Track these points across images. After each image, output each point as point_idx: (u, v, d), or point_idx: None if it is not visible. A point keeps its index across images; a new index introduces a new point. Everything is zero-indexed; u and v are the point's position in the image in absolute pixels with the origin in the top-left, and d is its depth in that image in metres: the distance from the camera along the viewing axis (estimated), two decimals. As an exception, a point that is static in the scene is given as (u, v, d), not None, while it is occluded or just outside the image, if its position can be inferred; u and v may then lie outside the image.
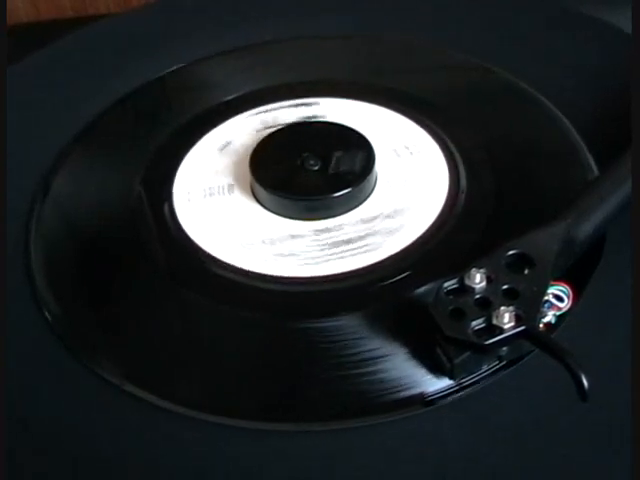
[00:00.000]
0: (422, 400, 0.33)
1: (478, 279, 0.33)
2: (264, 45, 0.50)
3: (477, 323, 0.32)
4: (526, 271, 0.34)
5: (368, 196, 0.40)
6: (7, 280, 0.39)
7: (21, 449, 0.33)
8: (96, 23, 0.55)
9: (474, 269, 0.33)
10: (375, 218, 0.40)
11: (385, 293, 0.37)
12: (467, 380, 0.33)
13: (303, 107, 0.46)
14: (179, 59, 0.50)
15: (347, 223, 0.39)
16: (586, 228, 0.35)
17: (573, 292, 0.35)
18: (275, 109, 0.46)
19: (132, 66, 0.50)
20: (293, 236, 0.39)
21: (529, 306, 0.32)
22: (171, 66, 0.49)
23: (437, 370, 0.34)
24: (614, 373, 0.33)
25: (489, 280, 0.33)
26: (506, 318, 0.32)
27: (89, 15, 0.70)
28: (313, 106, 0.46)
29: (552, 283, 0.34)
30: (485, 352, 0.32)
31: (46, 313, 0.38)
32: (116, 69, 0.50)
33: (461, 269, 0.34)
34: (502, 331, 0.32)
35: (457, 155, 0.42)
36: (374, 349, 0.35)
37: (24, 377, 0.36)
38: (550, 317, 0.34)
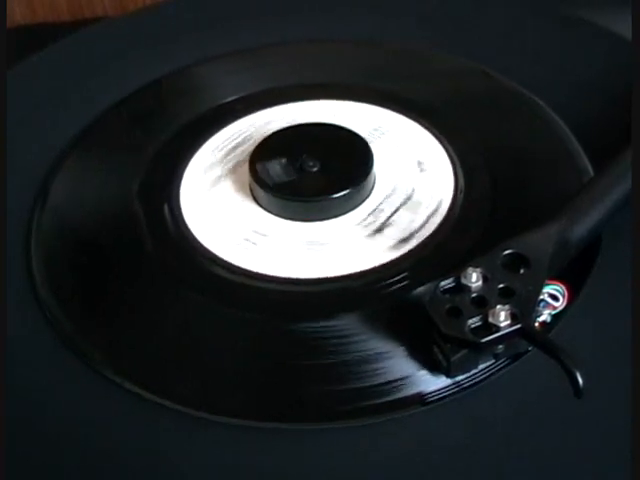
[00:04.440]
0: (420, 399, 0.34)
1: (474, 278, 0.34)
2: (264, 48, 0.50)
3: (473, 321, 0.33)
4: (522, 270, 0.34)
5: (366, 198, 0.41)
6: (8, 280, 0.39)
7: (21, 448, 0.33)
8: (93, 26, 0.56)
9: (470, 268, 0.34)
10: (372, 219, 0.40)
11: (383, 293, 0.37)
12: (465, 379, 0.34)
13: (304, 110, 0.46)
14: (177, 62, 0.50)
15: (345, 225, 0.40)
16: (581, 229, 0.36)
17: (568, 291, 0.35)
18: (275, 112, 0.46)
19: (130, 69, 0.50)
20: (292, 237, 0.39)
21: (525, 305, 0.33)
22: (169, 69, 0.50)
23: (434, 369, 0.34)
24: (610, 371, 0.33)
25: (485, 279, 0.34)
26: (502, 316, 0.32)
27: (86, 18, 0.70)
28: (315, 109, 0.46)
29: (547, 282, 0.34)
30: (481, 350, 0.33)
31: (47, 312, 0.38)
32: (113, 72, 0.50)
33: (458, 269, 0.34)
34: (498, 329, 0.32)
35: (455, 157, 0.42)
36: (372, 349, 0.35)
37: (24, 376, 0.36)
38: (545, 316, 0.35)
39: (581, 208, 0.36)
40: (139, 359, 0.36)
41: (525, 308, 0.33)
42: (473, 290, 0.33)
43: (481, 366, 0.34)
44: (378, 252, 0.38)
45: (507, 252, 0.35)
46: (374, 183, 0.41)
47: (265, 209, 0.41)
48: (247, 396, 0.35)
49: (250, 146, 0.43)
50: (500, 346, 0.33)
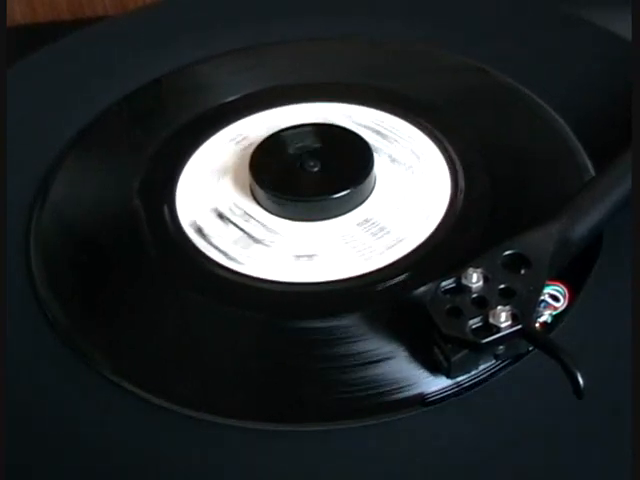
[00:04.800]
0: (421, 400, 0.33)
1: (475, 278, 0.33)
2: (263, 47, 0.50)
3: (474, 322, 0.32)
4: (522, 271, 0.34)
5: (367, 197, 0.41)
6: (8, 279, 0.39)
7: (21, 448, 0.33)
8: (93, 25, 0.55)
9: (471, 268, 0.34)
10: (374, 219, 0.40)
11: (384, 294, 0.37)
12: (466, 380, 0.34)
13: (304, 110, 0.46)
14: (176, 61, 0.50)
15: (345, 225, 0.40)
16: (582, 228, 0.36)
17: (569, 292, 0.35)
18: (275, 111, 0.46)
19: (130, 68, 0.50)
20: (293, 237, 0.39)
21: (525, 305, 0.33)
22: (169, 68, 0.50)
23: (435, 369, 0.34)
24: (611, 371, 0.33)
25: (486, 279, 0.34)
26: (503, 317, 0.32)
27: (86, 17, 0.70)
28: (315, 108, 0.46)
29: (548, 283, 0.34)
30: (482, 350, 0.33)
31: (46, 312, 0.38)
32: (114, 71, 0.50)
33: (459, 269, 0.34)
34: (499, 330, 0.32)
35: (455, 157, 0.42)
36: (372, 349, 0.35)
37: (24, 376, 0.36)
38: (546, 316, 0.35)
39: (582, 207, 0.36)
40: (139, 359, 0.36)
41: (526, 309, 0.33)
42: (474, 290, 0.33)
43: (482, 367, 0.34)
44: (379, 252, 0.38)
45: (508, 252, 0.34)
46: (374, 183, 0.41)
47: (265, 209, 0.41)
48: (247, 397, 0.34)
49: (250, 146, 0.43)
50: (501, 347, 0.33)
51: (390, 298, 0.36)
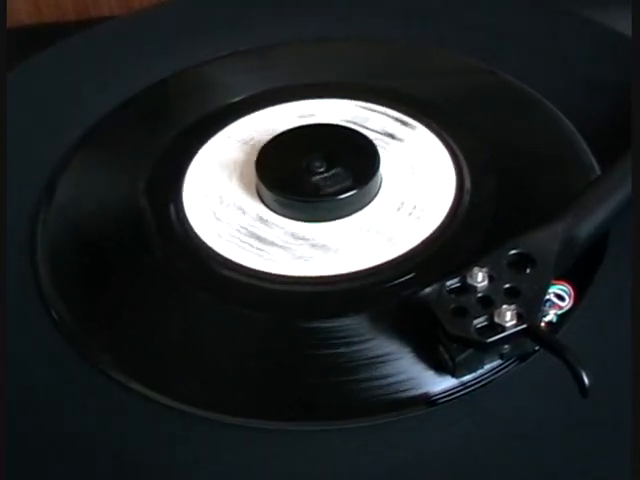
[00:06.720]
0: (426, 400, 0.33)
1: (480, 278, 0.33)
2: (268, 48, 0.50)
3: (479, 321, 0.32)
4: (528, 270, 0.34)
5: (374, 198, 0.41)
6: (13, 279, 0.39)
7: (21, 448, 0.33)
8: (99, 25, 0.56)
9: (476, 268, 0.34)
10: (379, 220, 0.40)
11: (389, 293, 0.37)
12: (472, 379, 0.34)
13: (310, 110, 0.46)
14: (182, 61, 0.50)
15: (352, 225, 0.40)
16: (587, 228, 0.36)
17: (574, 291, 0.35)
18: (279, 111, 0.46)
19: (135, 68, 0.50)
20: (298, 237, 0.39)
21: (530, 305, 0.33)
22: (174, 68, 0.50)
23: (440, 368, 0.34)
24: (617, 371, 0.33)
25: (491, 279, 0.34)
26: (508, 316, 0.32)
27: (92, 17, 0.70)
28: (321, 108, 0.46)
29: (553, 282, 0.34)
30: (487, 350, 0.33)
31: (52, 312, 0.38)
32: (119, 71, 0.50)
33: (464, 269, 0.34)
34: (504, 329, 0.32)
35: (461, 157, 0.42)
36: (377, 349, 0.35)
37: (29, 376, 0.36)
38: (551, 316, 0.35)
39: (587, 207, 0.36)
40: (143, 359, 0.36)
41: (531, 308, 0.33)
42: (479, 290, 0.33)
43: (487, 366, 0.34)
44: (384, 252, 0.38)
45: (513, 252, 0.34)
46: (380, 184, 0.41)
47: (271, 209, 0.41)
48: (251, 396, 0.34)
49: (257, 146, 0.43)
50: (506, 346, 0.33)
51: (395, 298, 0.36)
